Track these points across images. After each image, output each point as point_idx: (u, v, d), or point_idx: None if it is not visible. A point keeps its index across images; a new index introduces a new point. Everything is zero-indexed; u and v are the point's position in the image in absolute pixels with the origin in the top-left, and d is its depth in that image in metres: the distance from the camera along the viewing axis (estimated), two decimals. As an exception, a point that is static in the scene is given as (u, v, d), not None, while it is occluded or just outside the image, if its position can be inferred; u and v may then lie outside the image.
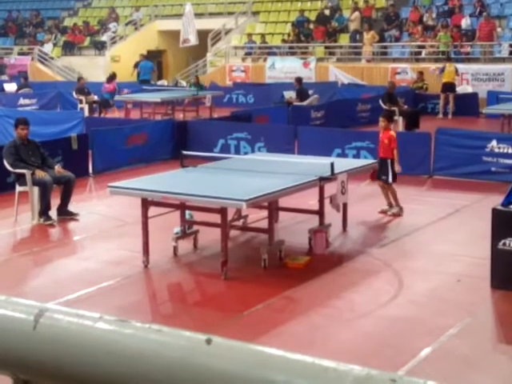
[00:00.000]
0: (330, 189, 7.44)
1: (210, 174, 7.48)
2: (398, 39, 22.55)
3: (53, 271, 7.14)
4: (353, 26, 23.20)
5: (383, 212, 8.71)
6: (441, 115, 18.08)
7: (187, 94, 18.75)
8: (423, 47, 21.66)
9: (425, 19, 22.31)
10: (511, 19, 21.72)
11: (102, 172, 11.34)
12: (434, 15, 22.45)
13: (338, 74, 21.64)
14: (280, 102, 17.92)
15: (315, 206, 7.73)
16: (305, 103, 16.98)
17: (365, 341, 5.29)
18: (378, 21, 23.61)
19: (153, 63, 23.85)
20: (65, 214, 8.63)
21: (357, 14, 23.31)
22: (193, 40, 23.92)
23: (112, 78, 18.78)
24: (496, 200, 6.69)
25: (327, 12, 24.61)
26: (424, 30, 21.95)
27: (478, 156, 10.69)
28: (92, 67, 25.57)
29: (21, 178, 8.54)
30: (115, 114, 17.94)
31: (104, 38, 27.49)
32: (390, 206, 8.74)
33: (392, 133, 8.84)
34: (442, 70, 18.44)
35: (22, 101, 19.37)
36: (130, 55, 24.67)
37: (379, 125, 8.94)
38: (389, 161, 8.58)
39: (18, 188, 8.62)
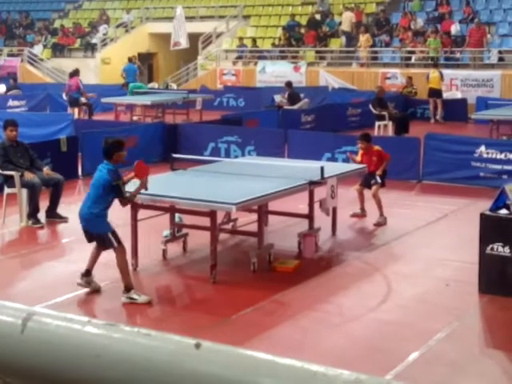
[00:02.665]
0: (320, 193, 7.46)
1: (199, 178, 7.47)
2: (388, 44, 22.66)
3: (41, 274, 7.10)
4: (344, 27, 23.25)
5: (355, 215, 8.68)
6: (432, 120, 18.18)
7: (177, 97, 18.72)
8: (413, 53, 21.77)
9: (412, 26, 22.45)
10: (500, 26, 21.88)
11: (91, 174, 11.24)
12: (419, 22, 22.54)
13: (329, 78, 21.70)
14: (271, 105, 17.94)
15: (305, 209, 7.74)
16: (295, 107, 17.01)
17: (353, 345, 5.30)
18: (368, 26, 23.71)
19: (137, 66, 23.67)
20: (53, 217, 8.59)
21: (348, 14, 23.37)
22: (184, 43, 23.92)
23: (75, 73, 17.85)
24: (484, 205, 6.73)
25: (318, 16, 24.69)
26: (414, 36, 22.07)
27: (467, 161, 10.74)
28: (82, 69, 25.38)
29: (9, 180, 8.50)
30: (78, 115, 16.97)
31: (94, 40, 27.43)
32: (363, 210, 8.74)
33: (378, 148, 8.76)
34: (428, 77, 18.59)
35: (11, 102, 19.27)
36: (121, 58, 24.60)
37: (358, 146, 8.80)
38: (376, 174, 8.58)
39: (7, 190, 8.58)
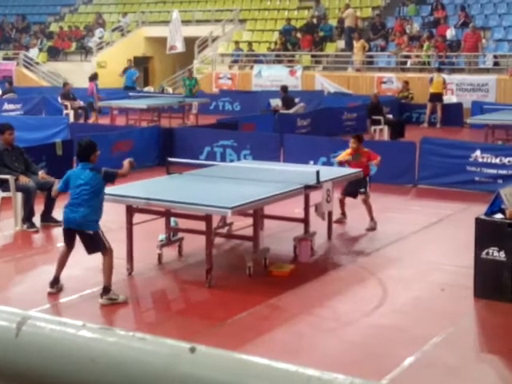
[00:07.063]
0: (316, 197, 7.46)
1: (195, 182, 7.47)
2: (383, 49, 22.72)
3: (36, 278, 7.08)
4: (347, 23, 23.28)
5: (338, 221, 8.55)
6: (426, 124, 18.25)
7: (173, 101, 18.73)
8: (409, 57, 21.84)
9: (407, 31, 22.52)
10: (496, 30, 21.97)
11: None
12: (415, 27, 22.60)
13: (324, 82, 21.74)
14: (266, 109, 17.96)
15: (300, 214, 7.74)
16: (291, 111, 17.03)
17: (349, 349, 5.30)
18: (364, 30, 23.78)
19: (136, 70, 23.77)
20: (48, 221, 8.57)
21: (350, 10, 23.39)
22: (180, 47, 23.93)
23: (93, 77, 18.39)
24: (479, 209, 6.74)
25: (314, 21, 24.75)
26: (409, 40, 22.15)
27: (462, 166, 10.77)
28: (78, 73, 25.43)
29: (4, 184, 8.48)
30: (92, 119, 17.74)
31: (90, 43, 27.43)
32: (344, 215, 8.65)
33: (367, 150, 8.70)
34: (431, 80, 18.66)
35: (6, 106, 19.24)
36: (117, 61, 24.61)
37: (350, 146, 8.63)
38: (367, 177, 8.52)
39: (1, 194, 8.55)
